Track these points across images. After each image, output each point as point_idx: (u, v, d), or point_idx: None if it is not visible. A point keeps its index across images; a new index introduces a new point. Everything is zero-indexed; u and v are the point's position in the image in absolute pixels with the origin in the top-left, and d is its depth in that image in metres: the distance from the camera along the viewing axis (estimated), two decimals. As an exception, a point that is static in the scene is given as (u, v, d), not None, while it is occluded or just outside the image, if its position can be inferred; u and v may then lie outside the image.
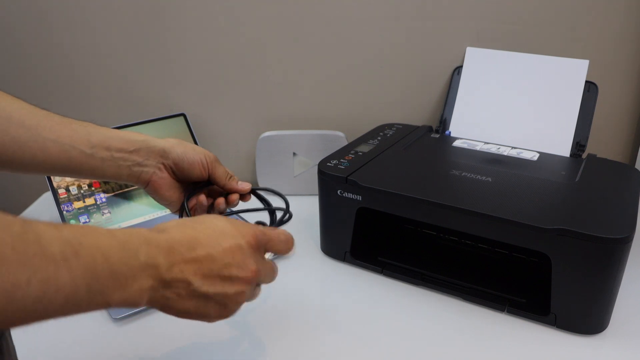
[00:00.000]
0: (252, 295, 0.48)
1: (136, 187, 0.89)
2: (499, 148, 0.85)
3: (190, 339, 0.64)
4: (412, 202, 0.68)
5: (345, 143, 0.95)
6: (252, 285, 0.46)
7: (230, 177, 0.63)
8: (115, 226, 0.86)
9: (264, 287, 0.74)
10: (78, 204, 0.85)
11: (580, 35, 0.90)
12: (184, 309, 0.41)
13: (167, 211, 0.90)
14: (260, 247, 0.48)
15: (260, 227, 0.49)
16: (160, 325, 0.66)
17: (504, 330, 0.65)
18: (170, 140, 0.60)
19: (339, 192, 0.74)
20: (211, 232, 0.44)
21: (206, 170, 0.61)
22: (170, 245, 0.41)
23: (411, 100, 1.00)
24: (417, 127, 0.94)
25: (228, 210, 0.65)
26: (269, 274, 0.50)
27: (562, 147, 0.84)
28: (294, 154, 0.99)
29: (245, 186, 0.64)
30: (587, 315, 0.62)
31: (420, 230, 0.83)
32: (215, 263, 0.42)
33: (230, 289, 0.43)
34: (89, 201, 0.86)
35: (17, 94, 0.53)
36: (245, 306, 0.69)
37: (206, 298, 0.42)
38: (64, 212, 0.84)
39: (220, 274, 0.43)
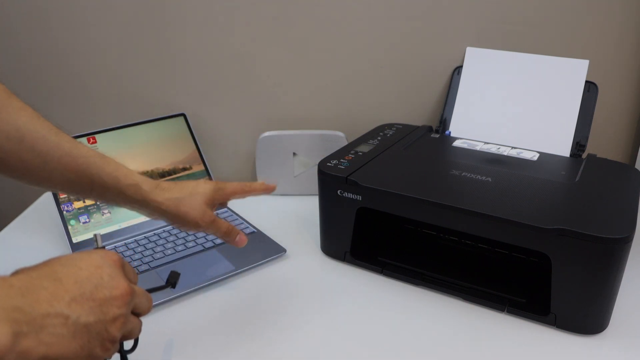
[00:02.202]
0: (131, 323, 0.42)
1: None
2: (499, 148, 0.85)
3: (190, 339, 0.64)
4: (412, 202, 0.68)
5: (345, 143, 0.95)
6: (129, 305, 0.41)
7: (244, 186, 0.65)
8: (115, 226, 0.86)
9: (270, 288, 0.75)
10: (78, 204, 0.85)
11: (580, 35, 0.90)
12: (70, 353, 0.35)
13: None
14: (124, 266, 0.43)
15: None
16: (159, 325, 0.66)
17: (504, 330, 0.65)
18: (165, 203, 0.59)
19: (339, 192, 0.74)
20: (65, 260, 0.39)
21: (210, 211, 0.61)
22: (29, 282, 0.35)
23: (411, 100, 1.00)
24: (417, 127, 0.94)
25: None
26: (143, 296, 0.44)
27: (562, 147, 0.84)
28: (294, 154, 0.99)
29: (272, 185, 0.67)
30: (587, 315, 0.62)
31: (420, 230, 0.83)
32: (84, 287, 0.37)
33: (108, 312, 0.38)
34: (89, 201, 0.86)
35: (17, 94, 0.53)
36: (246, 306, 0.69)
37: (88, 331, 0.37)
38: (64, 212, 0.84)
39: (93, 297, 0.37)
